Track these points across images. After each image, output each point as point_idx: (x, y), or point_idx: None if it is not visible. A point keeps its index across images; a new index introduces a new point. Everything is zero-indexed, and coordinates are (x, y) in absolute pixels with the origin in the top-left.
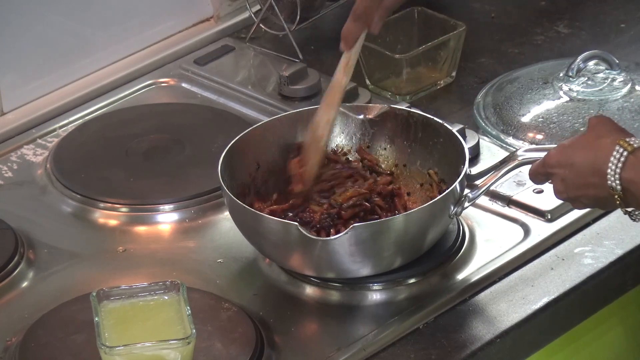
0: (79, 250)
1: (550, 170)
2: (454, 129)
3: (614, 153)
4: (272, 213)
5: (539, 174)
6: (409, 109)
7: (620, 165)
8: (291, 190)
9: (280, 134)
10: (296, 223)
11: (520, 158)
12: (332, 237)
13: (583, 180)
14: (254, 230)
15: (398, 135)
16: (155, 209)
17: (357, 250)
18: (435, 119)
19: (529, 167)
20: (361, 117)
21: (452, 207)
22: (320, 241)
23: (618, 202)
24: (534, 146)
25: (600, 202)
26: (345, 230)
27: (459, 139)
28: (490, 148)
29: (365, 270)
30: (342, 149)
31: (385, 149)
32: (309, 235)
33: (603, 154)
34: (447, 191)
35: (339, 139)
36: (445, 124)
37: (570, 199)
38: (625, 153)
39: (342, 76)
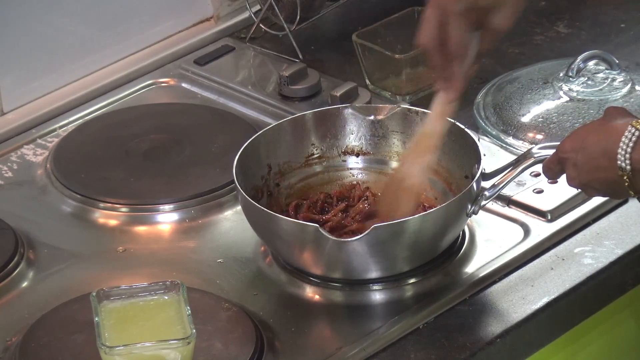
0: (79, 250)
1: (563, 156)
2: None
3: (626, 133)
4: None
5: (553, 164)
6: (419, 109)
7: (631, 145)
8: None
9: (289, 137)
10: (317, 225)
11: (536, 155)
12: (352, 239)
13: (594, 164)
14: (272, 233)
15: (409, 135)
16: (155, 209)
17: (375, 251)
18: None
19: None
20: (371, 117)
21: (469, 206)
22: (341, 242)
23: (627, 184)
24: (548, 143)
25: (611, 187)
26: (367, 231)
27: (472, 138)
28: (490, 148)
29: (377, 272)
30: (353, 150)
31: (396, 149)
32: (332, 237)
33: (615, 136)
34: (464, 190)
35: (348, 140)
36: (457, 123)
37: (582, 185)
38: (637, 133)
39: (438, 123)
